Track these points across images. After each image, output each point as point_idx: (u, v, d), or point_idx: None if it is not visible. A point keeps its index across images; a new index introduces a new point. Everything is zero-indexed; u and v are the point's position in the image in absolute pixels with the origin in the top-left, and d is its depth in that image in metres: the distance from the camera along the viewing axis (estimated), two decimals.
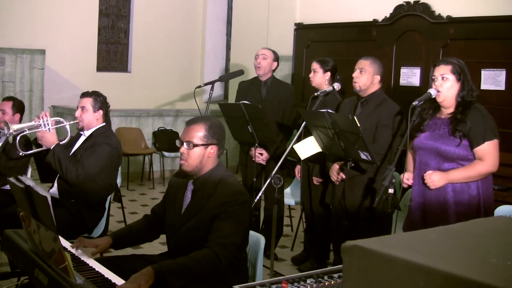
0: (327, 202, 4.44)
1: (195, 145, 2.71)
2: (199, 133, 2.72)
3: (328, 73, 4.58)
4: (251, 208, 2.84)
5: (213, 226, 2.61)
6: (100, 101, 4.01)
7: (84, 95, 4.04)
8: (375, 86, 4.08)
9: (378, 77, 4.07)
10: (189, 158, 2.72)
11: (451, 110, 3.30)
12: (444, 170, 3.25)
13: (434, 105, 3.35)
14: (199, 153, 2.72)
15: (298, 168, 4.75)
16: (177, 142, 2.77)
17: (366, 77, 4.04)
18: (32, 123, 3.99)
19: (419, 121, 3.36)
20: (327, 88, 4.36)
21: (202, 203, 2.72)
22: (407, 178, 3.44)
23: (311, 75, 4.66)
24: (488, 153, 3.19)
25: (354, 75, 4.07)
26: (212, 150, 2.74)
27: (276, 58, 4.97)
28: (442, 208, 3.27)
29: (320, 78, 4.60)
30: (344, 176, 4.03)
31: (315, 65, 4.62)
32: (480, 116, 3.22)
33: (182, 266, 2.48)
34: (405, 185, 3.50)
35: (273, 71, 4.99)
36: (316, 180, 4.57)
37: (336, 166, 4.09)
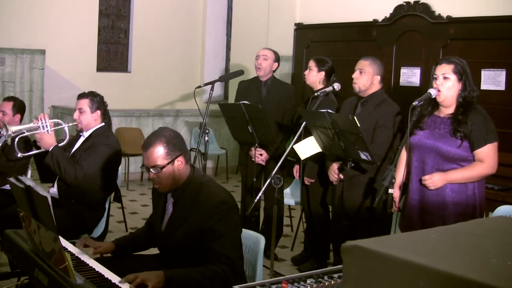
0: (327, 202, 4.44)
1: (162, 168, 2.63)
2: (159, 154, 2.63)
3: (323, 73, 4.59)
4: (238, 212, 2.81)
5: (209, 247, 2.56)
6: (97, 101, 4.00)
7: (81, 96, 4.03)
8: (376, 86, 4.07)
9: (378, 78, 4.06)
10: (162, 181, 2.65)
11: (451, 110, 3.30)
12: (443, 170, 3.26)
13: (433, 102, 3.35)
14: (169, 172, 2.64)
15: (296, 168, 4.75)
16: (143, 169, 2.68)
17: (366, 77, 4.03)
18: (31, 125, 3.99)
19: (417, 118, 3.36)
20: (326, 88, 4.36)
21: (185, 214, 2.67)
22: (395, 198, 3.47)
23: (306, 72, 4.68)
24: (488, 155, 3.21)
25: (353, 76, 4.06)
26: (179, 161, 2.67)
27: (277, 58, 4.97)
28: (441, 208, 3.28)
29: (313, 77, 4.61)
30: (342, 176, 4.03)
31: (311, 63, 4.64)
32: (481, 118, 3.22)
33: (192, 280, 2.47)
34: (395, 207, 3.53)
35: (274, 71, 5.00)
36: (307, 181, 4.57)
37: (334, 166, 4.08)
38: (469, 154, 3.23)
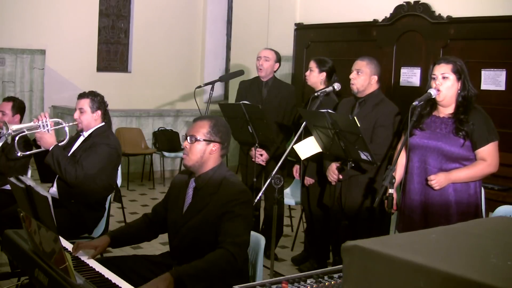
0: (325, 202, 4.43)
1: (197, 140, 2.75)
2: (202, 129, 2.77)
3: (324, 74, 4.60)
4: (253, 207, 2.85)
5: (221, 227, 2.61)
6: (97, 101, 4.00)
7: (81, 96, 4.03)
8: (373, 86, 4.08)
9: (375, 77, 4.07)
10: (190, 153, 2.76)
11: (451, 110, 3.31)
12: (446, 170, 3.26)
13: (431, 102, 3.35)
14: (200, 149, 2.75)
15: (296, 168, 4.75)
16: (185, 135, 2.82)
17: (363, 78, 4.03)
18: (31, 123, 3.98)
19: (416, 118, 3.36)
20: (326, 88, 4.36)
21: (204, 201, 2.72)
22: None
23: (307, 73, 4.69)
24: (490, 154, 3.23)
25: (351, 76, 4.06)
26: (214, 147, 2.77)
27: (278, 59, 4.97)
28: (444, 207, 3.28)
29: (315, 78, 4.61)
30: (341, 177, 4.02)
31: (312, 64, 4.64)
32: (482, 117, 3.24)
33: (201, 270, 2.48)
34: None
35: (275, 71, 4.99)
36: (307, 181, 4.57)
37: (333, 166, 4.08)
38: (470, 153, 3.25)
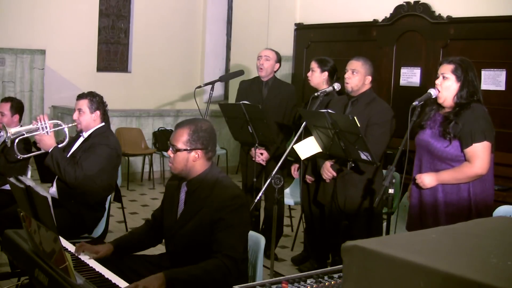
0: (319, 200, 4.43)
1: (178, 150, 2.72)
2: (182, 138, 2.72)
3: (326, 73, 4.60)
4: (249, 209, 2.83)
5: (216, 237, 2.59)
6: (96, 101, 4.00)
7: (80, 97, 4.03)
8: (366, 86, 4.11)
9: (369, 78, 4.09)
10: (174, 161, 2.74)
11: (449, 109, 3.30)
12: (436, 170, 3.26)
13: (438, 103, 3.35)
14: (182, 157, 2.72)
15: (294, 167, 4.74)
16: (169, 143, 2.80)
17: (358, 78, 4.05)
18: (30, 126, 3.98)
19: (426, 117, 3.36)
20: (326, 88, 4.37)
21: (198, 205, 2.71)
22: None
23: (309, 74, 4.68)
24: (475, 155, 3.16)
25: (346, 76, 4.08)
26: (197, 155, 2.72)
27: (279, 59, 4.97)
28: (434, 208, 3.29)
29: (317, 78, 4.61)
30: (335, 174, 4.03)
31: (313, 65, 4.64)
32: (473, 117, 3.18)
33: (194, 277, 2.48)
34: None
35: (275, 71, 5.00)
36: (308, 179, 4.58)
37: (327, 164, 4.09)
38: (460, 153, 3.22)
